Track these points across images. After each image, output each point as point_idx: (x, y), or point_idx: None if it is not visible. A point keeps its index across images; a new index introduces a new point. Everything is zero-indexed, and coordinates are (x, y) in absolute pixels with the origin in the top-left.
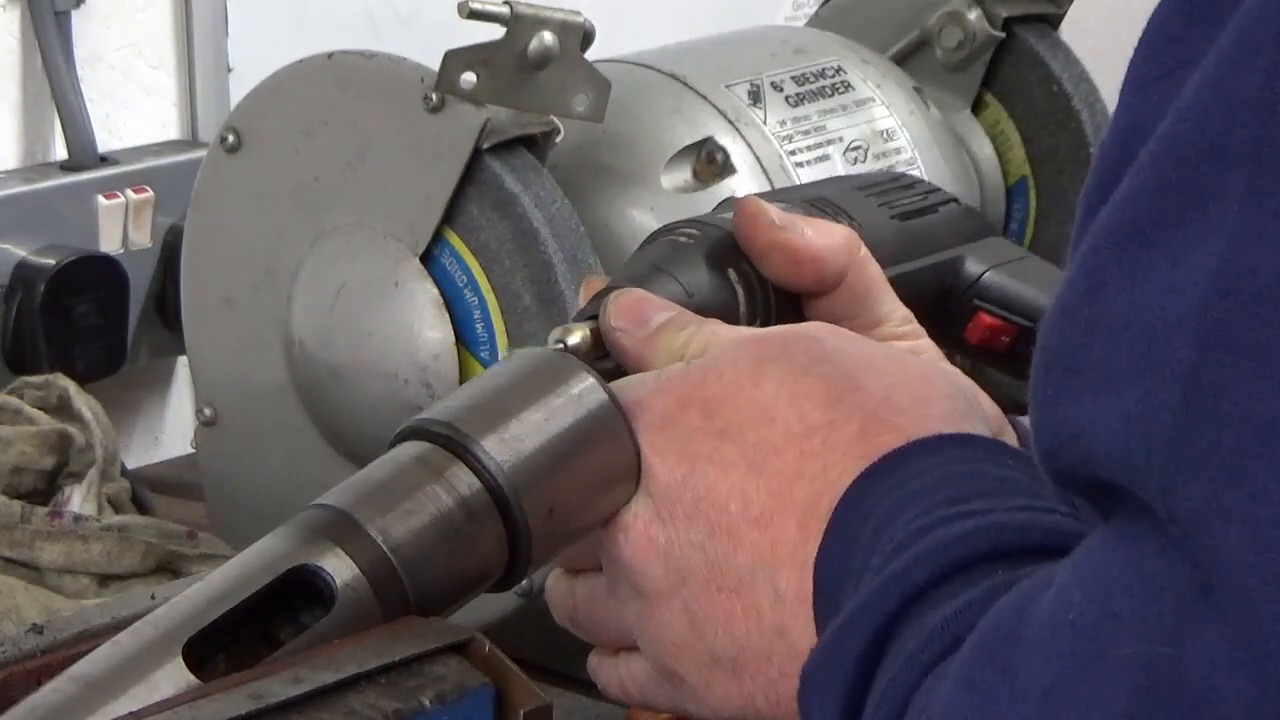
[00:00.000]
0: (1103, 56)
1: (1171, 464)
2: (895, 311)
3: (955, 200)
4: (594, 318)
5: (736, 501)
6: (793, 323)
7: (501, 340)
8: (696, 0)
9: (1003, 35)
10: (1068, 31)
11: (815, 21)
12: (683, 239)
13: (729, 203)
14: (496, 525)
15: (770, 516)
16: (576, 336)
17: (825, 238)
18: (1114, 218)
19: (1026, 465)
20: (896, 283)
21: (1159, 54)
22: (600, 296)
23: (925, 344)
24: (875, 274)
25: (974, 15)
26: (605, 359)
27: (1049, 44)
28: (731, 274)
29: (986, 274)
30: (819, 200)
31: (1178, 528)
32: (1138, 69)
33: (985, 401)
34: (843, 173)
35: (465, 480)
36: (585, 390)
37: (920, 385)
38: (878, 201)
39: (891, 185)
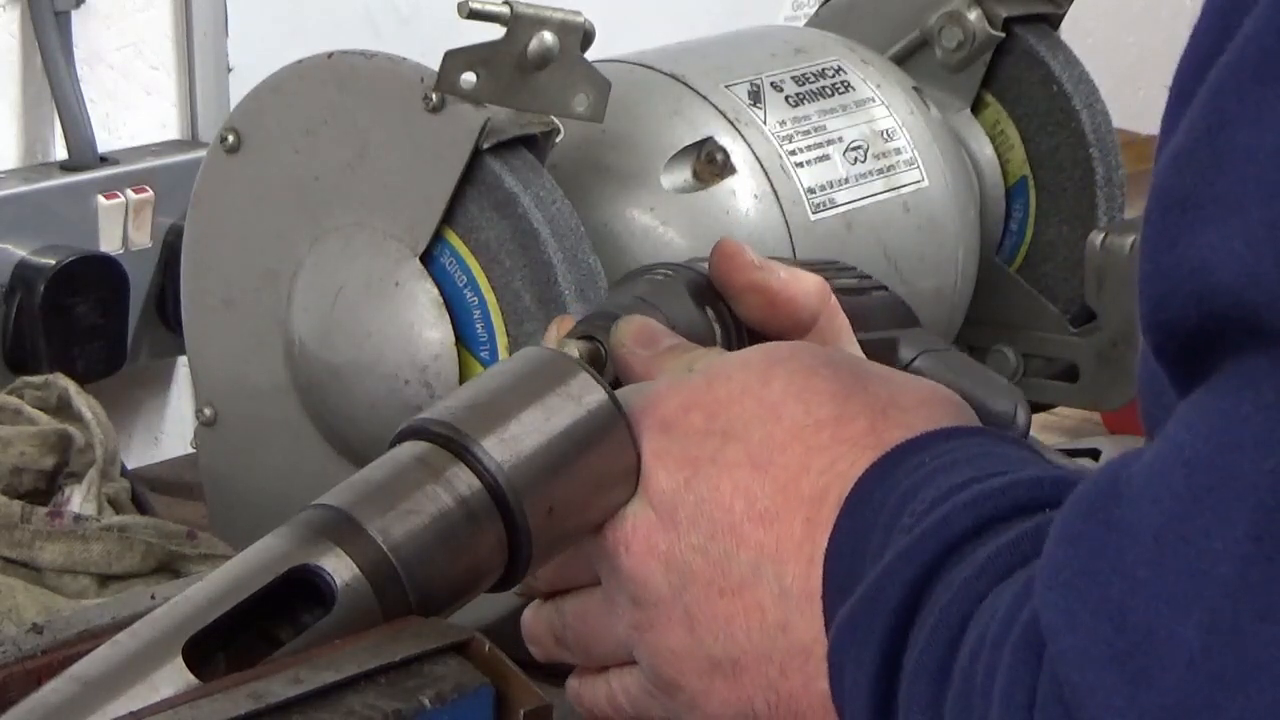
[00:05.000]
0: (1103, 56)
1: None
2: None
3: (886, 288)
4: (584, 338)
5: (740, 500)
6: None
7: (501, 340)
8: (696, 0)
9: (1003, 35)
10: (1068, 31)
11: (815, 21)
12: (660, 277)
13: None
14: (496, 525)
15: (775, 512)
16: (573, 350)
17: (800, 282)
18: (1234, 60)
19: (1040, 454)
20: None
21: None
22: (587, 321)
23: None
24: (843, 323)
25: (974, 15)
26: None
27: (1049, 44)
28: (709, 311)
29: (917, 359)
30: None
31: None
32: None
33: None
34: (843, 173)
35: (465, 480)
36: (585, 390)
37: (924, 392)
38: (821, 275)
39: (828, 265)
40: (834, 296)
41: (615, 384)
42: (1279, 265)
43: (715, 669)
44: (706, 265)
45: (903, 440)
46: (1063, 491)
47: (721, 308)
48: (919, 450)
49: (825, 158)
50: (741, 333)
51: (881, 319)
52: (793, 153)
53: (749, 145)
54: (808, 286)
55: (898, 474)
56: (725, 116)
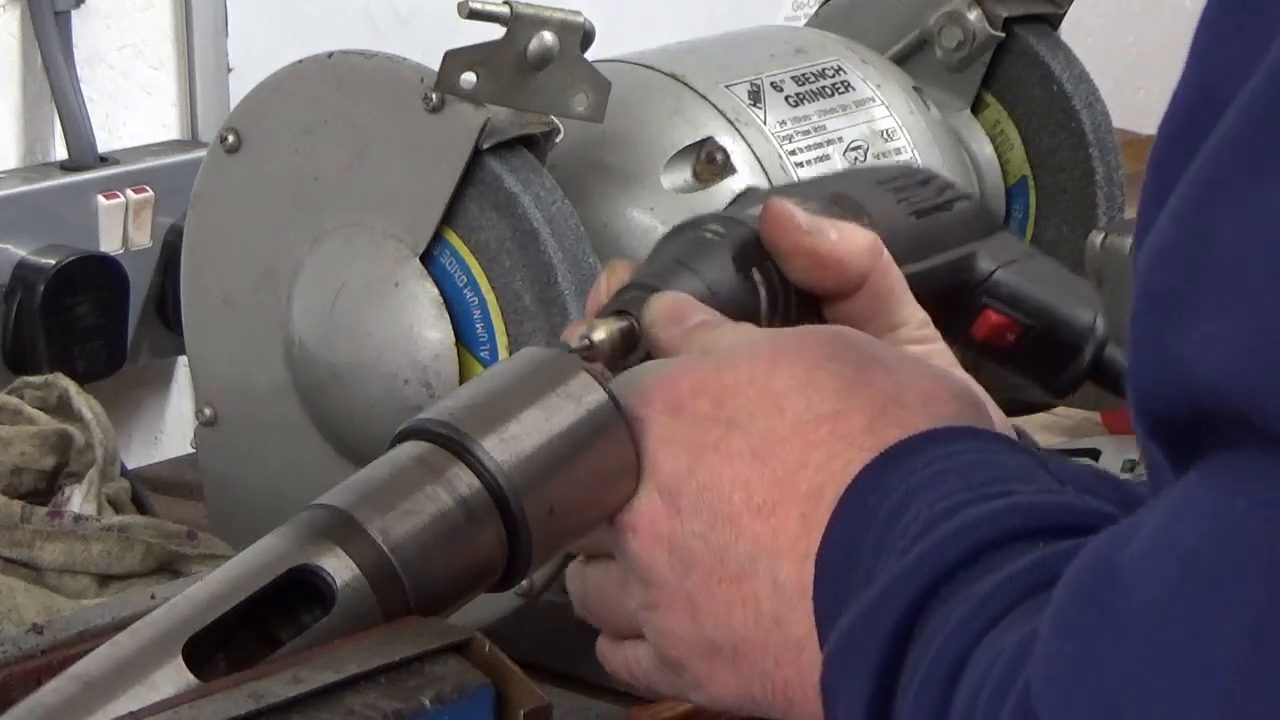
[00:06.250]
0: (1103, 56)
1: None
2: (914, 315)
3: (968, 197)
4: (617, 313)
5: (740, 491)
6: (812, 323)
7: (501, 340)
8: (696, 0)
9: (1003, 35)
10: (1068, 31)
11: (815, 21)
12: (709, 235)
13: (752, 195)
14: (496, 525)
15: (772, 506)
16: (601, 332)
17: (849, 242)
18: (1215, 155)
19: (1035, 458)
20: (910, 281)
21: (1233, 6)
22: (622, 294)
23: (940, 348)
24: (896, 278)
25: (974, 15)
26: (630, 356)
27: (1049, 44)
28: (755, 274)
29: (996, 272)
30: (839, 197)
31: None
32: (1213, 19)
33: (993, 409)
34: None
35: (465, 480)
36: (585, 390)
37: (930, 386)
38: (895, 198)
39: (909, 181)
40: (885, 253)
41: (649, 358)
42: (1267, 371)
43: (716, 653)
44: (758, 217)
45: (898, 441)
46: (1053, 517)
47: (769, 267)
48: (914, 453)
49: (825, 158)
50: (789, 292)
51: (960, 234)
52: (793, 153)
53: (749, 145)
54: (857, 246)
55: (892, 479)
56: (725, 116)
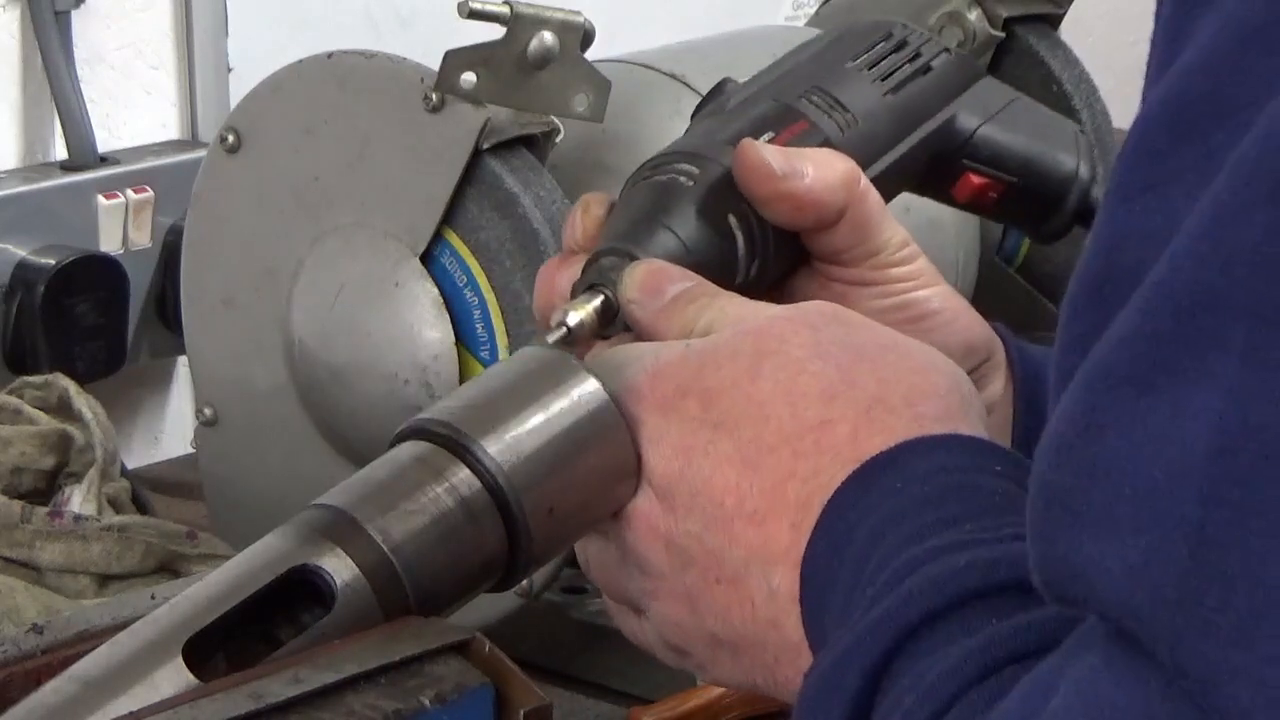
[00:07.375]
0: (1103, 56)
1: (1180, 621)
2: (893, 238)
3: (947, 50)
4: (593, 287)
5: (731, 497)
6: (791, 258)
7: (501, 340)
8: (696, 0)
9: (1003, 35)
10: (1068, 31)
11: (815, 21)
12: (682, 179)
13: (722, 106)
14: (497, 525)
15: (764, 514)
16: (578, 315)
17: (826, 177)
18: (1110, 358)
19: (1015, 470)
20: (891, 170)
21: (1142, 167)
22: (596, 261)
23: (921, 266)
24: (873, 205)
25: (974, 15)
26: (608, 329)
27: (1049, 44)
28: (731, 219)
29: (977, 132)
30: (813, 92)
31: (1186, 683)
32: (1121, 179)
33: (973, 319)
34: None
35: (465, 480)
36: (585, 392)
37: (915, 380)
38: (870, 76)
39: (884, 51)
40: (864, 180)
41: (628, 328)
42: (1154, 600)
43: (718, 645)
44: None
45: (880, 452)
46: (1016, 574)
47: (745, 210)
48: (893, 467)
49: None
50: (767, 233)
51: (942, 95)
52: None
53: None
54: (834, 179)
55: (872, 498)
56: None
